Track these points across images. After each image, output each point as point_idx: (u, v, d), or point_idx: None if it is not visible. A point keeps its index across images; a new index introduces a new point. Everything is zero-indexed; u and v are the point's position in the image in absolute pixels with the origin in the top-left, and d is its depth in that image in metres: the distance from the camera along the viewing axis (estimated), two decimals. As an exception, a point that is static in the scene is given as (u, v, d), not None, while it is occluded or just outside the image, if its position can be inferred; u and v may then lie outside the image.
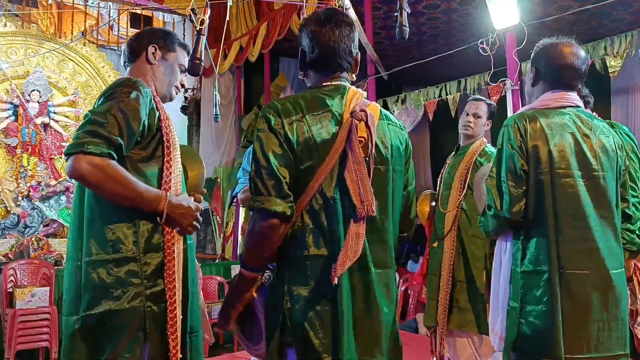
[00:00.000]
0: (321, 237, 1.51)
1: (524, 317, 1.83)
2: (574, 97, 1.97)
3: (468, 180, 2.94)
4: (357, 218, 1.49)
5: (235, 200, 3.16)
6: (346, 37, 1.62)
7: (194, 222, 1.72)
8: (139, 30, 2.00)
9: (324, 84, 1.63)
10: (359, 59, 1.69)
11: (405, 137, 1.72)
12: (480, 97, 3.27)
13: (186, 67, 2.04)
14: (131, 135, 1.64)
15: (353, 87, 1.64)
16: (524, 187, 1.84)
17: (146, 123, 1.70)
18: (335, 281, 1.45)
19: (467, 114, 3.13)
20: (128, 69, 1.95)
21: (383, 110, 1.68)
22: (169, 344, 1.67)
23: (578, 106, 1.97)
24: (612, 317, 1.81)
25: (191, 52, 2.17)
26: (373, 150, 1.54)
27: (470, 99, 3.25)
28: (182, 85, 2.02)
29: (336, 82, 1.63)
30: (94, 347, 1.65)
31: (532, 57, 2.05)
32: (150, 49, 1.92)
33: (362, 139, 1.52)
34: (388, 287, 1.59)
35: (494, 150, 3.04)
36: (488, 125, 3.16)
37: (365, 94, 1.65)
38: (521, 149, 1.86)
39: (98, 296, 1.65)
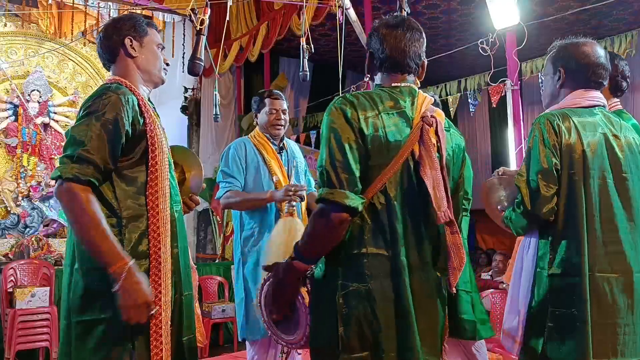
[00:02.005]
0: (381, 236, 1.51)
1: (553, 322, 1.79)
2: (601, 96, 1.96)
3: None
4: (435, 222, 1.52)
5: None
6: (416, 41, 1.66)
7: (136, 313, 1.55)
8: (103, 27, 1.92)
9: (394, 84, 1.65)
10: (425, 65, 1.71)
11: (463, 145, 1.75)
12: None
13: (163, 45, 1.97)
14: (114, 149, 1.64)
15: (421, 92, 1.66)
16: (556, 187, 1.81)
17: (129, 131, 1.68)
18: (454, 290, 1.55)
19: None
20: (111, 70, 1.88)
21: (446, 117, 1.70)
22: (152, 350, 1.63)
23: (604, 106, 1.96)
24: (638, 321, 1.78)
25: (191, 52, 2.16)
26: (444, 158, 1.57)
27: None
28: (167, 64, 1.96)
29: (406, 84, 1.65)
30: (84, 355, 1.63)
31: (555, 58, 2.01)
32: (127, 42, 1.84)
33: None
34: (442, 292, 1.60)
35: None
36: None
37: (432, 100, 1.67)
38: (555, 148, 1.82)
39: (86, 304, 1.63)
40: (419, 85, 1.72)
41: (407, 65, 1.65)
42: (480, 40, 4.66)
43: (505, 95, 4.78)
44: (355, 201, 1.46)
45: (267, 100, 2.98)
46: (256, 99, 3.05)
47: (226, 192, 2.85)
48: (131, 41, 1.84)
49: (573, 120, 1.86)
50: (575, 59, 1.95)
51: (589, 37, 2.01)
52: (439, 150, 1.56)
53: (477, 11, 6.09)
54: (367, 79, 1.78)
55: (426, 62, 1.72)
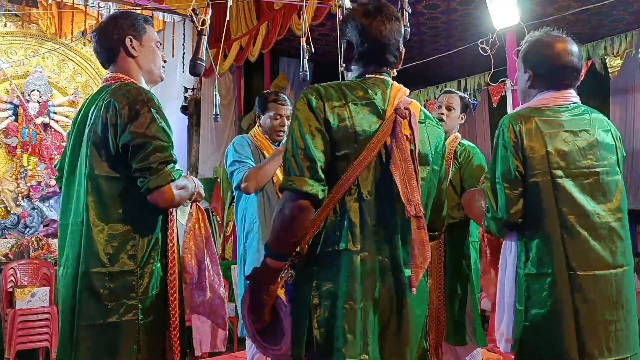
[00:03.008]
0: (354, 233, 1.46)
1: (528, 320, 1.80)
2: (573, 94, 1.94)
3: (450, 177, 2.83)
4: (405, 217, 1.46)
5: (234, 199, 3.10)
6: (396, 31, 1.60)
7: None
8: (100, 25, 1.89)
9: (367, 76, 1.61)
10: (403, 54, 1.66)
11: (442, 136, 1.70)
12: (453, 90, 3.17)
13: (160, 41, 1.96)
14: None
15: (396, 83, 1.62)
16: (520, 189, 1.80)
17: None
18: (414, 292, 1.47)
19: (440, 107, 3.00)
20: (110, 68, 1.85)
21: (422, 108, 1.66)
22: (171, 330, 1.70)
23: (576, 102, 1.93)
24: (626, 316, 1.78)
25: (192, 52, 2.16)
26: (417, 151, 1.51)
27: (442, 92, 3.15)
28: (165, 61, 1.96)
29: (380, 76, 1.61)
30: (91, 358, 1.64)
31: (525, 56, 1.98)
32: (128, 42, 1.82)
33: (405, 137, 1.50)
34: (419, 289, 1.53)
35: (470, 143, 2.99)
36: (462, 118, 3.04)
37: (407, 91, 1.62)
38: (516, 150, 1.81)
39: (93, 308, 1.64)
40: (395, 75, 1.68)
41: (386, 59, 1.61)
42: (480, 40, 4.65)
43: (505, 95, 4.78)
44: (314, 188, 1.42)
45: (272, 105, 2.95)
46: (261, 100, 3.02)
47: (244, 174, 2.76)
48: (131, 40, 1.82)
49: (536, 121, 1.84)
50: (545, 61, 1.92)
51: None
52: (413, 142, 1.51)
53: (477, 11, 6.09)
54: (342, 69, 1.69)
55: (404, 52, 1.67)
